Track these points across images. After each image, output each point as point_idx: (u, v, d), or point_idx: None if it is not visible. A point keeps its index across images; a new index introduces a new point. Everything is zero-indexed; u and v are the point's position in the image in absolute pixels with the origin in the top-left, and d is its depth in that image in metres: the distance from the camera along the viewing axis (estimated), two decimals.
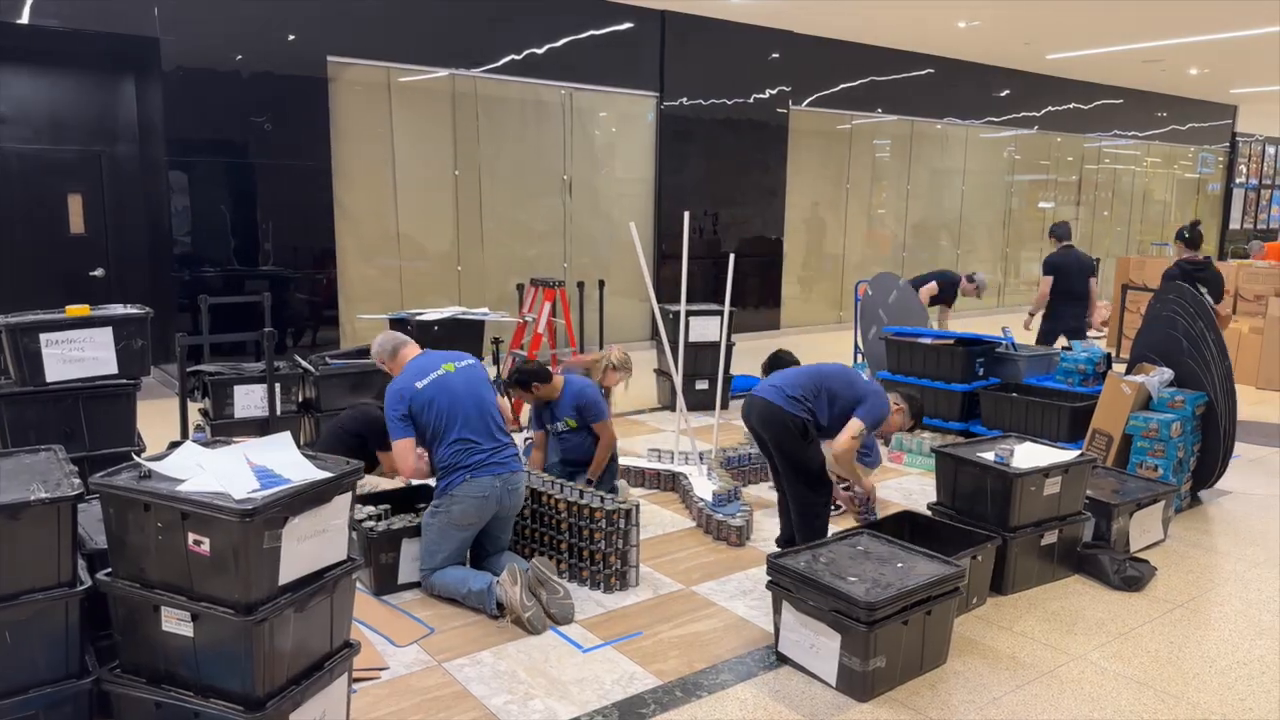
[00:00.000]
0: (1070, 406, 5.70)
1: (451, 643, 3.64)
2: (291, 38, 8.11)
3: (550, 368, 5.33)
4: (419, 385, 3.94)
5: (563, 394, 4.99)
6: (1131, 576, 4.24)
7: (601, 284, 10.18)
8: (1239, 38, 11.31)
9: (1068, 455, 4.34)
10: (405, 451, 3.93)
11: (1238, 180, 19.71)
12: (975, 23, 10.79)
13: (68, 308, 4.11)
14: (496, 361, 7.18)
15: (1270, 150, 20.32)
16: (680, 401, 5.78)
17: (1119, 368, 5.91)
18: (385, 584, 4.04)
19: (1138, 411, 5.25)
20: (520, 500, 4.09)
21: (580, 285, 9.94)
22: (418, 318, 6.60)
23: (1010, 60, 13.69)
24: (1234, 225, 19.85)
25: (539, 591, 3.77)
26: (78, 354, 4.03)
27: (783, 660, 3.52)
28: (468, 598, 3.86)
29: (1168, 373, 5.39)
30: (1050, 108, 15.09)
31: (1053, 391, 6.03)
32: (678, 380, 5.84)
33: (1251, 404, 8.07)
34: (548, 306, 7.24)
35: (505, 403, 4.46)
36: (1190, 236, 7.29)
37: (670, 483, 5.53)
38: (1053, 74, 14.57)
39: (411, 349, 4.22)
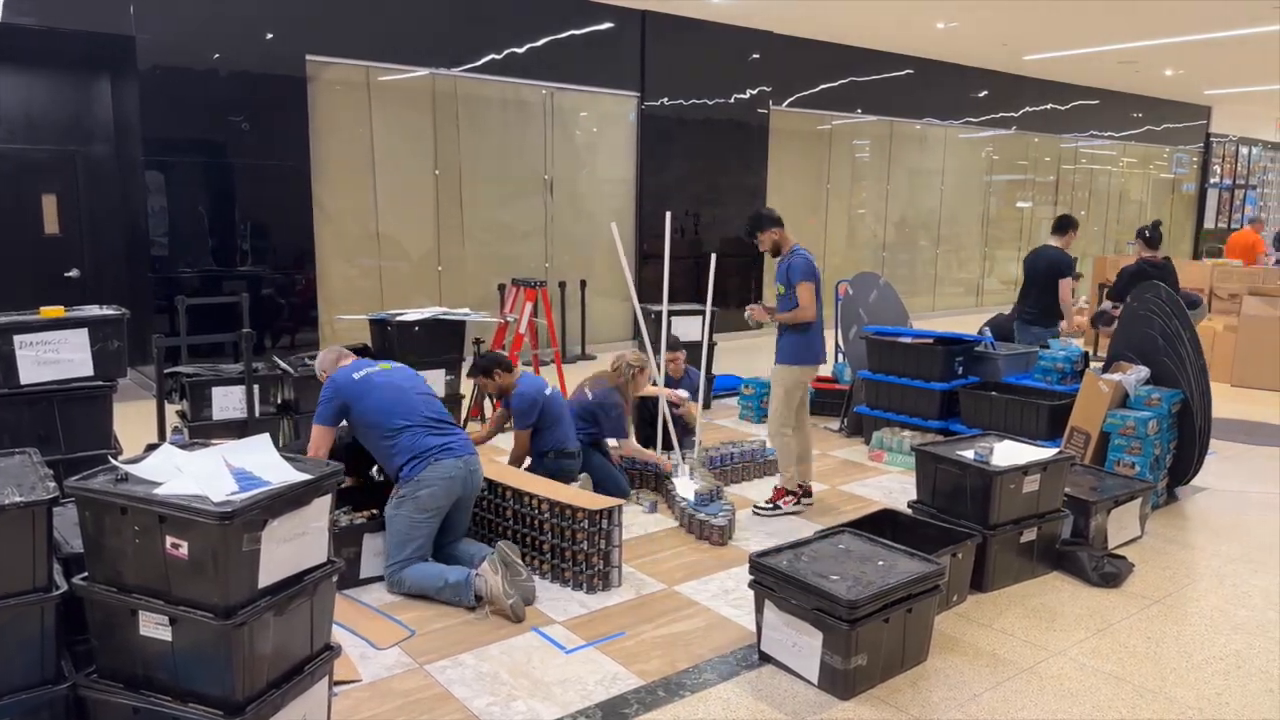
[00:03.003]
0: (1049, 405, 5.74)
1: (433, 645, 3.62)
2: (270, 36, 8.05)
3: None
4: (355, 376, 4.10)
5: (513, 390, 5.05)
6: (1109, 573, 4.28)
7: (583, 284, 10.19)
8: (1213, 39, 11.45)
9: (1046, 453, 4.37)
10: (319, 436, 4.07)
11: (1212, 180, 19.95)
12: (954, 24, 10.86)
13: (42, 309, 4.05)
14: None
15: (1244, 150, 20.58)
16: (663, 402, 5.78)
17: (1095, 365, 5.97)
18: (346, 579, 4.01)
19: (1115, 409, 5.29)
20: (479, 482, 4.17)
21: (562, 285, 9.96)
22: (398, 318, 6.57)
23: (988, 61, 13.79)
24: (1208, 225, 20.09)
25: (505, 574, 3.83)
26: (53, 356, 3.98)
27: (765, 659, 3.52)
28: (442, 591, 3.86)
29: (1144, 371, 5.45)
30: (1028, 108, 15.22)
31: (1031, 390, 6.08)
32: (660, 380, 5.85)
33: (1226, 401, 8.17)
34: (529, 306, 7.23)
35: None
36: (1151, 236, 7.46)
37: (653, 482, 5.53)
38: (1030, 75, 14.69)
39: (348, 359, 4.36)
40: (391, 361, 4.37)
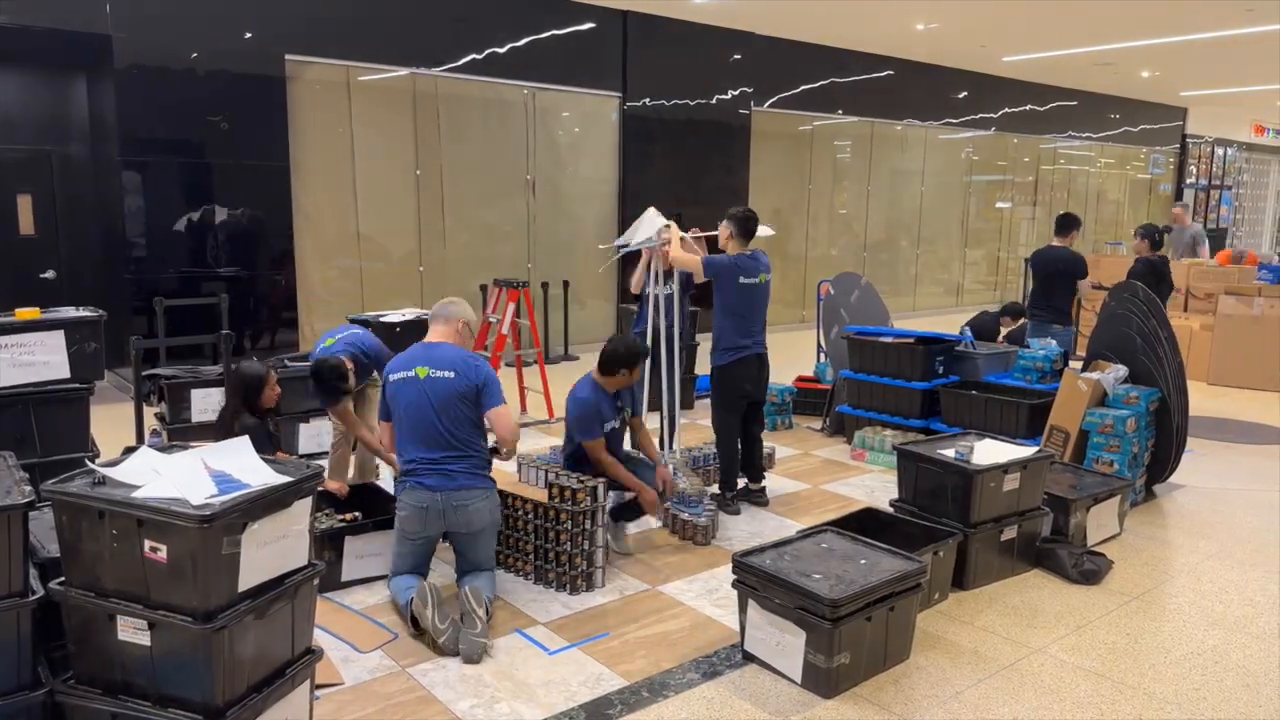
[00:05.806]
0: (1028, 403, 5.79)
1: (416, 647, 3.60)
2: (248, 35, 7.99)
3: None
4: (392, 377, 3.88)
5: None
6: (1089, 570, 4.32)
7: (566, 285, 10.18)
8: (1189, 41, 11.57)
9: (1026, 451, 4.40)
10: (384, 431, 4.07)
11: (1188, 181, 20.15)
12: (933, 25, 10.92)
13: (17, 310, 4.01)
14: None
15: (1219, 151, 20.80)
16: (645, 401, 5.77)
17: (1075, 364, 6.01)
18: (328, 582, 3.98)
19: (1094, 408, 5.34)
20: (478, 519, 3.78)
21: (544, 286, 9.94)
22: (379, 319, 6.54)
23: (967, 62, 13.88)
24: None
25: (457, 618, 3.59)
26: (28, 358, 3.93)
27: (749, 658, 3.53)
28: (404, 609, 3.76)
29: (1123, 370, 5.50)
30: (1007, 109, 15.32)
31: (1011, 389, 6.12)
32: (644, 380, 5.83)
33: (1203, 399, 8.26)
34: (512, 307, 7.21)
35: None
36: (1157, 239, 8.09)
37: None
38: (1009, 76, 14.80)
39: (432, 329, 4.03)
40: (443, 361, 3.85)
